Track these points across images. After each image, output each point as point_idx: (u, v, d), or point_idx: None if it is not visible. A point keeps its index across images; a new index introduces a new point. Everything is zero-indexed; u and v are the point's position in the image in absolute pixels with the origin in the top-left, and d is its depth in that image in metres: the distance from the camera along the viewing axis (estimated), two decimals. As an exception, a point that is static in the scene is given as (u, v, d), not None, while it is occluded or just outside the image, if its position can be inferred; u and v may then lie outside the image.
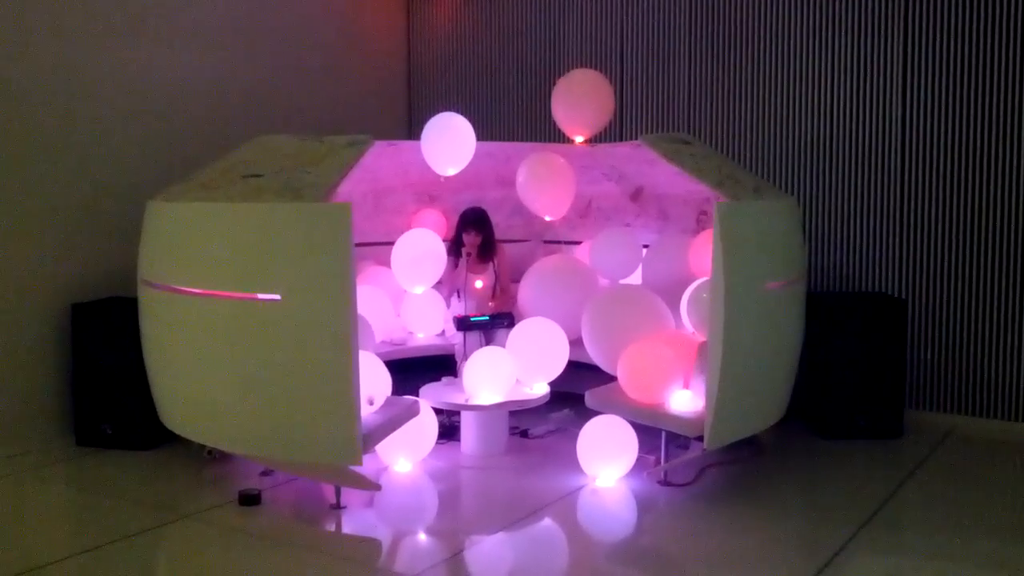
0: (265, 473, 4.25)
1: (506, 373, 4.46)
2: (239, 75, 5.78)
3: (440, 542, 3.67)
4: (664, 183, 5.19)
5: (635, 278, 5.17)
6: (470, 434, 4.61)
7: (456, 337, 5.01)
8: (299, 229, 3.60)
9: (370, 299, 4.88)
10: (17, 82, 4.66)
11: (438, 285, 5.28)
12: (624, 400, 4.24)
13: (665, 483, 4.16)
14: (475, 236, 5.14)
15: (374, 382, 3.94)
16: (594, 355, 4.68)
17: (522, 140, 6.31)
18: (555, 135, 5.46)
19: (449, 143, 4.55)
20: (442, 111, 4.71)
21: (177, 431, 4.17)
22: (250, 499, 3.93)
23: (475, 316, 4.96)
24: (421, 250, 5.04)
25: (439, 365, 5.02)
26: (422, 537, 3.76)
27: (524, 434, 4.87)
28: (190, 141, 5.42)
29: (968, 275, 5.02)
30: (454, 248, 5.25)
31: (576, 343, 4.73)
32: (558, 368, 4.64)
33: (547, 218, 5.05)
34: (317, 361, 3.59)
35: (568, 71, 5.21)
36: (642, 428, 4.16)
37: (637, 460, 4.17)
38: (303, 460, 3.83)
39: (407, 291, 5.15)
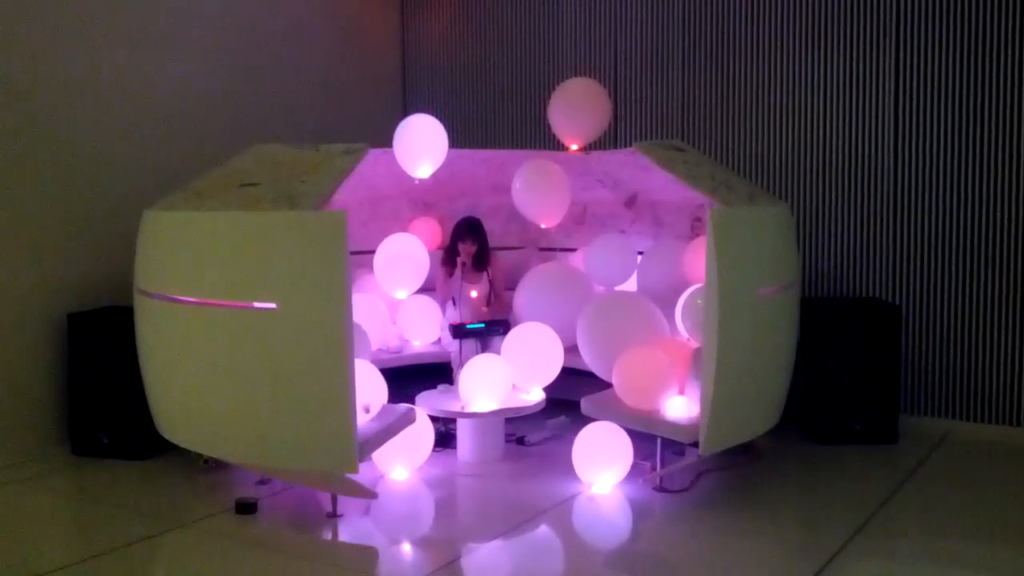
0: (261, 482, 4.25)
1: (502, 380, 4.47)
2: (235, 84, 5.79)
3: (436, 550, 3.67)
4: (659, 190, 5.21)
5: (630, 284, 5.18)
6: (466, 441, 4.61)
7: (452, 345, 5.02)
8: (295, 237, 3.61)
9: (366, 307, 4.90)
10: (15, 90, 4.67)
11: (432, 292, 5.29)
12: (620, 406, 4.25)
13: (661, 489, 4.16)
14: (471, 245, 5.16)
15: (370, 390, 3.94)
16: (589, 362, 4.69)
17: (517, 147, 6.33)
18: (550, 142, 5.48)
19: (411, 144, 4.56)
20: (436, 118, 4.71)
21: (173, 440, 4.17)
22: (246, 507, 3.93)
23: (471, 323, 4.97)
24: (395, 253, 5.06)
25: (435, 373, 5.03)
26: (418, 545, 3.77)
27: (520, 441, 4.87)
28: (186, 150, 5.43)
29: (961, 280, 5.04)
30: (448, 258, 5.26)
31: (572, 350, 4.75)
32: (553, 372, 4.65)
33: (542, 225, 5.07)
34: (313, 369, 3.59)
35: (563, 78, 5.24)
36: (638, 434, 4.17)
37: (633, 466, 4.17)
38: (299, 468, 3.83)
39: (391, 296, 5.17)
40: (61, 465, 4.64)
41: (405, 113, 6.93)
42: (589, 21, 6.19)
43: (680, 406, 4.14)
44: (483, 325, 4.95)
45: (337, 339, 3.54)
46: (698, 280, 4.43)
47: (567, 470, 4.24)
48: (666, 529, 3.82)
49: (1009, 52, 4.85)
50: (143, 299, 4.12)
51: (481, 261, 5.24)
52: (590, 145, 5.16)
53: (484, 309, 5.22)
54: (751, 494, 4.14)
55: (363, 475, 3.86)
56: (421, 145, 4.56)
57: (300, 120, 6.20)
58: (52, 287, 4.84)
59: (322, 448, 3.65)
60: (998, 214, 4.93)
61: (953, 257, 5.06)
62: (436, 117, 4.65)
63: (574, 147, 5.09)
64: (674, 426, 4.06)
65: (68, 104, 4.90)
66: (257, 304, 3.65)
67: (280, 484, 4.21)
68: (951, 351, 5.09)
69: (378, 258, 5.13)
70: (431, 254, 5.33)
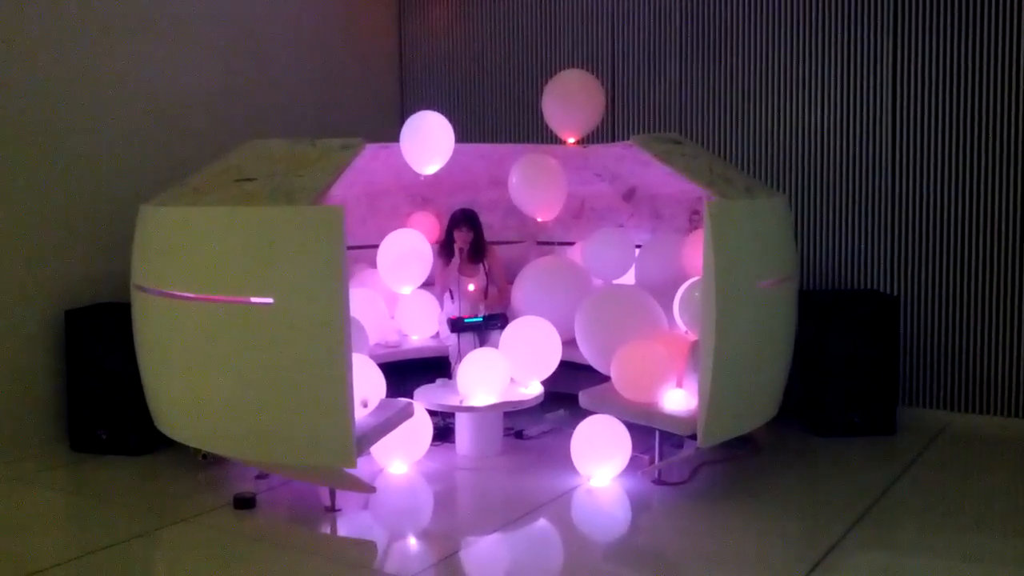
0: (260, 476, 4.25)
1: (500, 374, 4.47)
2: (232, 79, 5.78)
3: (435, 543, 3.68)
4: (657, 183, 5.20)
5: (628, 278, 5.18)
6: (465, 435, 4.61)
7: (450, 339, 5.01)
8: (292, 232, 3.61)
9: (364, 301, 4.89)
10: (10, 86, 4.66)
11: (430, 287, 5.29)
12: (618, 400, 4.25)
13: (659, 482, 4.17)
14: (466, 233, 5.16)
15: (368, 384, 3.94)
16: (588, 355, 4.69)
17: (515, 142, 6.32)
18: (548, 136, 5.47)
19: (422, 141, 4.54)
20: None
21: (171, 436, 4.17)
22: (245, 502, 3.93)
23: (469, 317, 4.97)
24: (403, 249, 5.05)
25: (433, 367, 5.03)
26: (417, 539, 3.77)
27: (519, 435, 4.87)
28: (184, 147, 5.42)
29: (959, 272, 5.04)
30: (445, 249, 5.26)
31: (570, 343, 4.74)
32: (552, 366, 4.65)
33: (539, 219, 5.07)
34: (311, 364, 3.59)
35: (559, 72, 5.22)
36: (636, 427, 4.17)
37: (631, 459, 4.17)
38: (298, 463, 3.83)
39: (395, 292, 5.16)
40: (60, 461, 4.64)
41: (402, 108, 6.93)
42: (586, 15, 6.17)
43: (678, 399, 4.15)
44: (481, 319, 4.95)
45: (334, 334, 3.54)
46: (696, 273, 4.41)
47: (566, 463, 4.24)
48: (665, 522, 3.82)
49: (1006, 45, 4.84)
50: (140, 295, 4.11)
51: (477, 251, 5.23)
52: (588, 139, 5.15)
53: (482, 303, 5.22)
54: (750, 486, 4.15)
55: (361, 469, 3.87)
56: (432, 143, 4.52)
57: (298, 117, 6.19)
58: (49, 284, 4.84)
59: (320, 443, 3.65)
60: (996, 205, 4.92)
61: (951, 249, 5.05)
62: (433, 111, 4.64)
63: (571, 141, 5.08)
64: (673, 419, 4.06)
65: (65, 101, 4.89)
66: (254, 299, 3.65)
67: (278, 479, 4.21)
68: (950, 342, 5.09)
69: (384, 254, 5.09)
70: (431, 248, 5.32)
